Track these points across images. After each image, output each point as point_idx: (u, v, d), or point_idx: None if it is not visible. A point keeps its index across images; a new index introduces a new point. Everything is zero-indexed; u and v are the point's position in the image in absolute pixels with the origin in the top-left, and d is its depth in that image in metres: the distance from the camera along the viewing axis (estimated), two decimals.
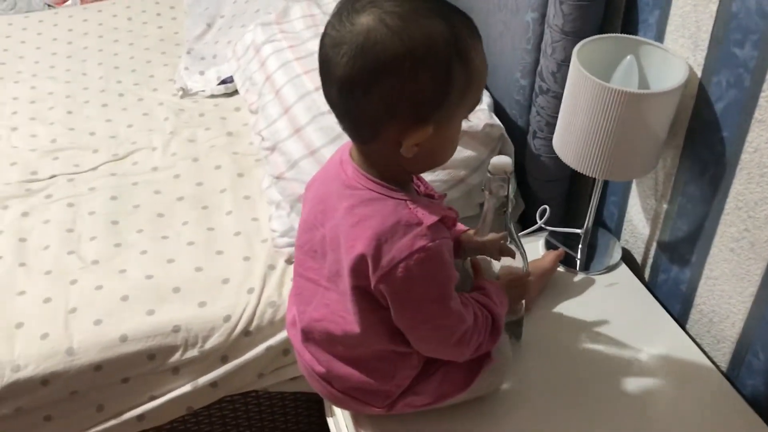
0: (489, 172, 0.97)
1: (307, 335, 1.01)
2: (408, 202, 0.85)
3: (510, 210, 1.00)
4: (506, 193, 0.98)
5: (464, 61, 0.79)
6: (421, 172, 0.94)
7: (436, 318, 0.88)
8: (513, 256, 1.05)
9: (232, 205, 1.60)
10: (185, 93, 1.96)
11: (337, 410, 1.27)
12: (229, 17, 2.17)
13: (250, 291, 1.40)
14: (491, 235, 1.02)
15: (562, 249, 1.34)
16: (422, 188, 0.97)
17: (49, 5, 2.53)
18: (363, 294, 0.88)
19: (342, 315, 0.93)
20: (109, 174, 1.69)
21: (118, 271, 1.44)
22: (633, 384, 1.14)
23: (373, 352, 0.95)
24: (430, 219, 0.84)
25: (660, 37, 1.17)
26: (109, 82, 2.01)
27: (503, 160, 0.96)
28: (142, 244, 1.51)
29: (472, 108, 0.87)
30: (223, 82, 1.97)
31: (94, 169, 1.71)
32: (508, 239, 1.04)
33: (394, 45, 0.76)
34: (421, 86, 0.78)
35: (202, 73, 2.00)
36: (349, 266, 0.86)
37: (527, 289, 1.21)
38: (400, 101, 0.79)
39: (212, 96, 1.96)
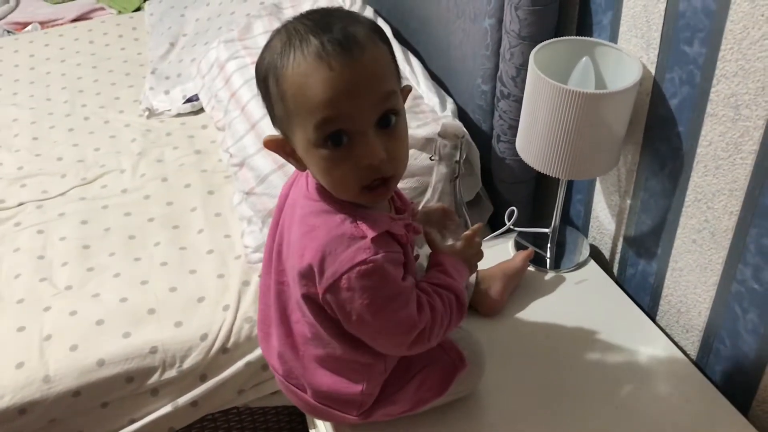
0: (439, 136, 0.96)
1: (286, 339, 1.00)
2: (356, 216, 0.85)
3: (459, 176, 1.00)
4: (457, 159, 0.98)
5: (276, 74, 0.79)
6: (337, 195, 0.88)
7: (385, 326, 0.88)
8: (455, 221, 1.05)
9: (203, 223, 1.61)
10: (151, 113, 1.96)
11: (319, 423, 1.28)
12: (192, 35, 2.17)
13: (226, 308, 1.41)
14: (433, 205, 1.03)
15: (531, 249, 1.36)
16: (399, 203, 0.97)
17: (9, 31, 2.51)
18: (314, 303, 0.89)
19: (306, 318, 0.94)
20: (78, 198, 1.69)
21: (92, 296, 1.43)
22: (607, 377, 1.16)
23: (339, 355, 0.95)
24: (372, 232, 0.84)
25: (614, 37, 1.20)
26: (74, 106, 2.00)
27: (454, 124, 0.96)
28: (115, 267, 1.50)
29: (306, 126, 0.79)
30: (189, 100, 1.97)
31: (63, 194, 1.70)
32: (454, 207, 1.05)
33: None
34: (261, 96, 0.85)
35: (167, 92, 2.00)
36: (299, 273, 0.87)
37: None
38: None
39: (179, 115, 1.96)
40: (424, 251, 1.05)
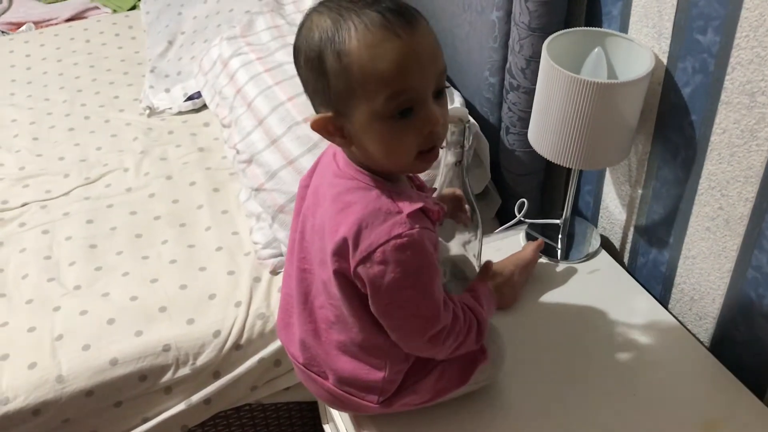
0: None
1: (308, 326, 1.01)
2: (392, 192, 0.87)
3: (466, 162, 1.02)
4: (462, 144, 0.99)
5: (336, 48, 0.80)
6: (379, 167, 0.90)
7: (411, 306, 0.89)
8: (465, 210, 1.08)
9: (210, 220, 1.60)
10: (152, 112, 1.95)
11: (335, 416, 1.28)
12: (190, 33, 2.16)
13: (238, 305, 1.40)
14: (446, 190, 1.05)
15: (541, 239, 1.37)
16: (417, 182, 0.99)
17: (3, 32, 2.49)
18: (345, 280, 0.89)
19: (332, 300, 0.95)
20: (82, 198, 1.68)
21: (102, 295, 1.43)
22: (623, 366, 1.17)
23: (363, 338, 0.96)
24: (409, 208, 0.86)
25: (624, 27, 1.21)
26: (73, 106, 1.99)
27: (458, 109, 0.97)
28: (124, 265, 1.50)
29: (375, 99, 0.80)
30: (190, 98, 1.96)
31: (67, 194, 1.69)
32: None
33: (294, 43, 0.86)
34: (308, 75, 0.85)
35: (167, 90, 1.99)
36: (332, 249, 0.87)
37: (516, 290, 1.26)
38: (306, 86, 0.87)
39: (180, 113, 1.95)
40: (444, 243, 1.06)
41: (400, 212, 0.85)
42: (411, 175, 0.99)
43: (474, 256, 1.17)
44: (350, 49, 0.79)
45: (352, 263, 0.86)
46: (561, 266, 1.36)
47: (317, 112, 0.87)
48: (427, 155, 0.87)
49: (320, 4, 0.84)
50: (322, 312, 0.98)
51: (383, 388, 1.00)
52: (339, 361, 0.99)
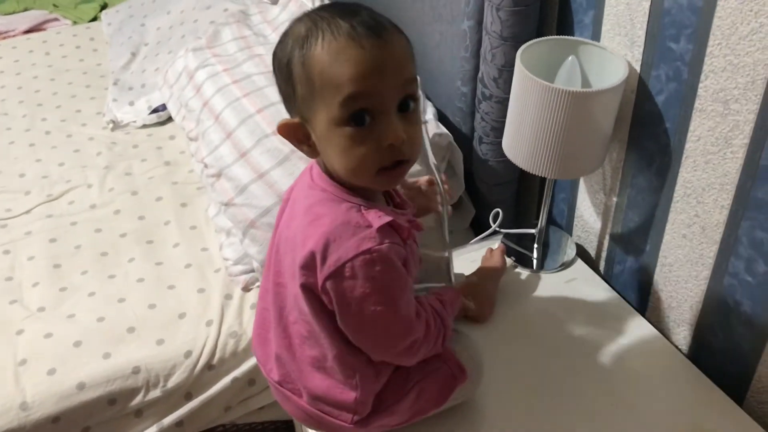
0: None
1: (283, 341, 0.98)
2: (362, 206, 0.86)
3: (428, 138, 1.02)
4: (425, 119, 0.99)
5: (303, 54, 0.80)
6: (344, 179, 0.88)
7: (380, 322, 0.87)
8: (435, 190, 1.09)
9: (178, 236, 1.56)
10: (116, 125, 1.90)
11: None
12: (154, 44, 2.12)
13: (209, 323, 1.37)
14: (424, 177, 1.08)
15: (502, 244, 1.36)
16: (398, 199, 0.97)
17: None
18: (311, 294, 0.88)
19: (303, 316, 0.93)
20: (44, 216, 1.62)
21: (67, 317, 1.38)
22: (602, 375, 1.16)
23: (334, 355, 0.93)
24: (379, 222, 0.84)
25: (597, 36, 1.21)
26: (34, 121, 1.93)
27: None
28: (89, 285, 1.45)
29: (332, 103, 0.79)
30: (155, 110, 1.92)
31: (28, 212, 1.64)
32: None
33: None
34: (279, 82, 0.85)
35: (131, 103, 1.94)
36: (300, 263, 0.86)
37: (493, 302, 1.28)
38: (280, 94, 0.87)
39: (144, 126, 1.91)
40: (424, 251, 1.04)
41: (369, 226, 0.84)
42: (392, 191, 0.97)
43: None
44: (313, 54, 0.79)
45: (320, 278, 0.84)
46: (537, 276, 1.35)
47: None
48: (391, 172, 0.84)
49: (305, 13, 0.84)
50: (296, 327, 0.96)
51: (356, 409, 0.98)
52: (313, 378, 0.97)
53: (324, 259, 0.83)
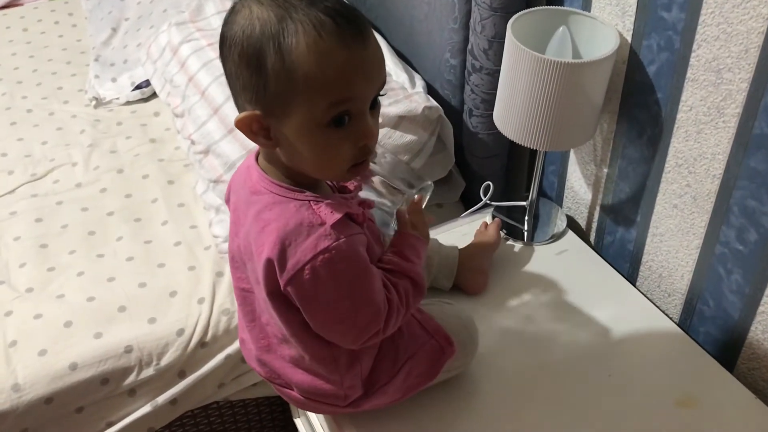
0: None
1: (261, 342, 0.98)
2: (312, 202, 0.83)
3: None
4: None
5: (281, 48, 0.75)
6: (305, 174, 0.85)
7: (349, 317, 0.86)
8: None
9: (166, 214, 1.55)
10: (99, 102, 1.87)
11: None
12: (134, 19, 2.08)
13: (201, 301, 1.36)
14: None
15: (498, 218, 1.36)
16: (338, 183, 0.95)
17: None
18: (280, 299, 0.86)
19: (274, 319, 0.92)
20: (29, 195, 1.60)
21: (56, 297, 1.36)
22: (596, 346, 1.17)
23: (310, 355, 0.93)
24: (332, 218, 0.82)
25: (587, 6, 1.19)
26: (14, 99, 1.89)
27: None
28: (78, 265, 1.43)
29: (317, 105, 0.77)
30: (138, 87, 1.89)
31: (12, 192, 1.61)
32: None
33: (223, 29, 0.80)
34: (239, 70, 0.79)
35: (114, 80, 1.91)
36: (262, 273, 0.84)
37: (486, 275, 1.26)
38: (232, 80, 0.81)
39: (128, 103, 1.88)
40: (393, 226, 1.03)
41: (323, 224, 0.81)
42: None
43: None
44: (298, 52, 0.75)
45: (282, 283, 0.82)
46: (528, 248, 1.36)
47: (240, 108, 0.82)
48: (360, 167, 0.84)
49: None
50: (270, 328, 0.95)
51: (346, 395, 0.98)
52: (296, 375, 0.97)
53: (283, 264, 0.81)
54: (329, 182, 0.93)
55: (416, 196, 1.06)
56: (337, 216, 0.82)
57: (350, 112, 0.78)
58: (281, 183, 0.85)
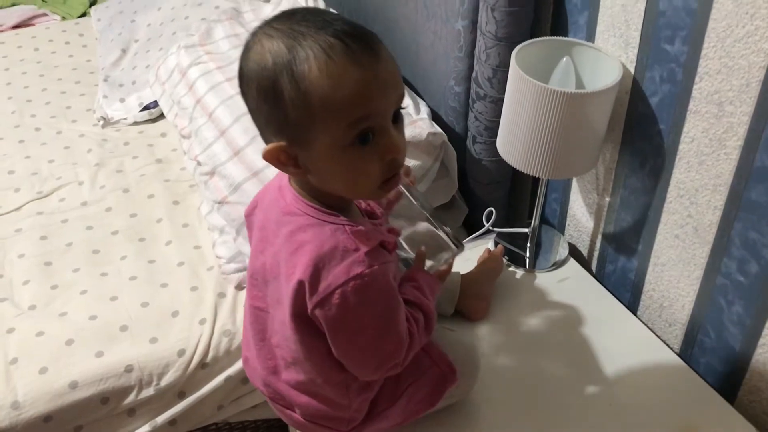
0: None
1: (268, 363, 0.99)
2: (346, 227, 0.83)
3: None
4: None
5: (295, 77, 0.75)
6: (337, 196, 0.86)
7: (372, 345, 0.86)
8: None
9: (171, 234, 1.55)
10: (106, 122, 1.89)
11: None
12: (144, 41, 2.11)
13: (203, 322, 1.36)
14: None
15: (501, 245, 1.37)
16: (363, 205, 0.95)
17: None
18: (304, 322, 0.86)
19: (288, 343, 0.92)
20: (35, 213, 1.61)
21: (59, 315, 1.37)
22: (596, 374, 1.17)
23: (324, 380, 0.93)
24: (367, 245, 0.82)
25: (591, 37, 1.21)
26: (23, 117, 1.91)
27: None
28: (81, 283, 1.44)
29: (336, 127, 0.77)
30: (146, 107, 1.91)
31: (18, 209, 1.62)
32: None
33: (240, 67, 0.80)
34: (260, 104, 0.79)
35: (122, 100, 1.93)
36: (290, 294, 0.84)
37: (489, 302, 1.27)
38: (256, 115, 0.82)
39: (135, 123, 1.90)
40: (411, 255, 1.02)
41: (357, 249, 0.81)
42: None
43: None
44: (310, 78, 0.74)
45: (310, 306, 0.82)
46: (530, 275, 1.36)
47: (267, 141, 0.82)
48: (390, 182, 0.83)
49: (268, 26, 0.79)
50: (280, 351, 0.95)
51: (351, 418, 0.98)
52: (300, 397, 0.97)
53: (314, 287, 0.81)
54: (359, 205, 0.94)
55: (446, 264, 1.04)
56: (373, 243, 0.82)
57: (372, 128, 0.78)
58: (315, 206, 0.85)
